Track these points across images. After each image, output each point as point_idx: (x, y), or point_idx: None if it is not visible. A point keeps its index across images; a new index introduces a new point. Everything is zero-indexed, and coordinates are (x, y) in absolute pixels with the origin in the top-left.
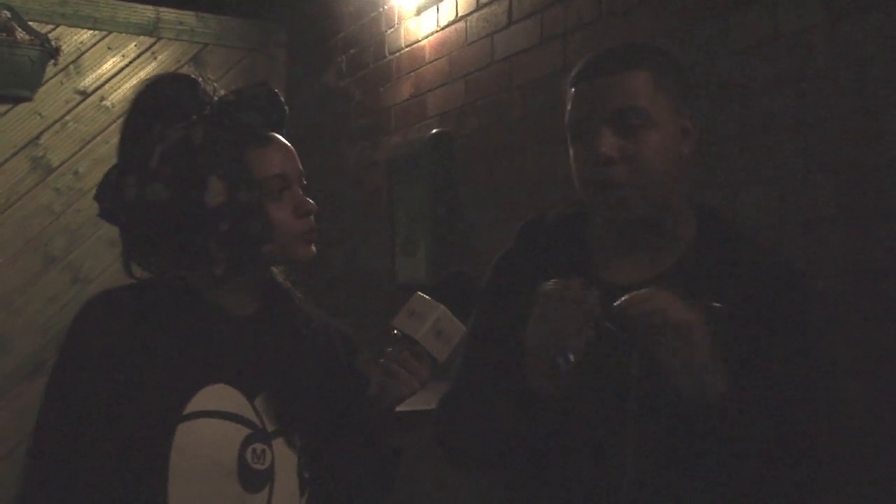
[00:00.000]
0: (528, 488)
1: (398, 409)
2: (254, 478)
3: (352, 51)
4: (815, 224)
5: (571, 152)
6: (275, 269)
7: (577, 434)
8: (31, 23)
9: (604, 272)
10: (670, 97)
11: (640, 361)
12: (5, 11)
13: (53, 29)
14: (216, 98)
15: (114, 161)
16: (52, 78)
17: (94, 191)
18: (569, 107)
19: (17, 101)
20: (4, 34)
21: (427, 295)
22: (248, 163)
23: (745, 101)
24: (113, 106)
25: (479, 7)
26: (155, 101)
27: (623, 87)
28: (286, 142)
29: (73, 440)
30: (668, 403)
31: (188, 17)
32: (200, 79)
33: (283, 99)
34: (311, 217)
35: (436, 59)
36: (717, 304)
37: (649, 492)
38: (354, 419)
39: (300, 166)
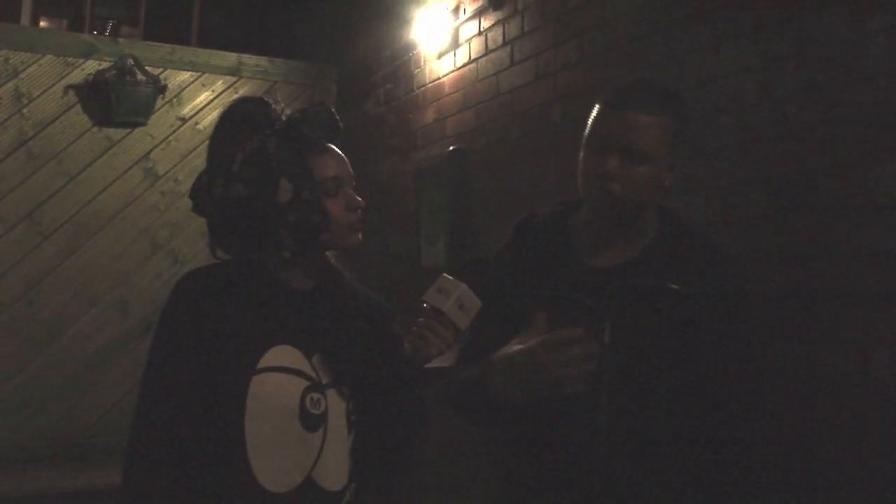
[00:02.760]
0: (515, 452)
1: (427, 366)
2: (312, 420)
3: (388, 85)
4: (750, 222)
5: (583, 157)
6: (328, 253)
7: (553, 416)
8: (147, 67)
9: (584, 258)
10: (671, 143)
11: (612, 330)
12: (130, 59)
13: (163, 71)
14: (284, 116)
15: (202, 170)
16: (160, 108)
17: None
18: (592, 123)
19: (134, 126)
20: (128, 76)
21: (452, 275)
22: (310, 167)
23: (696, 125)
24: (204, 129)
25: (487, 52)
26: (236, 118)
27: (639, 127)
28: (340, 151)
29: (171, 382)
30: (639, 370)
31: (263, 61)
32: (272, 101)
33: (337, 117)
34: (359, 211)
35: (453, 92)
36: (674, 286)
37: (622, 451)
38: (392, 374)
39: (351, 170)
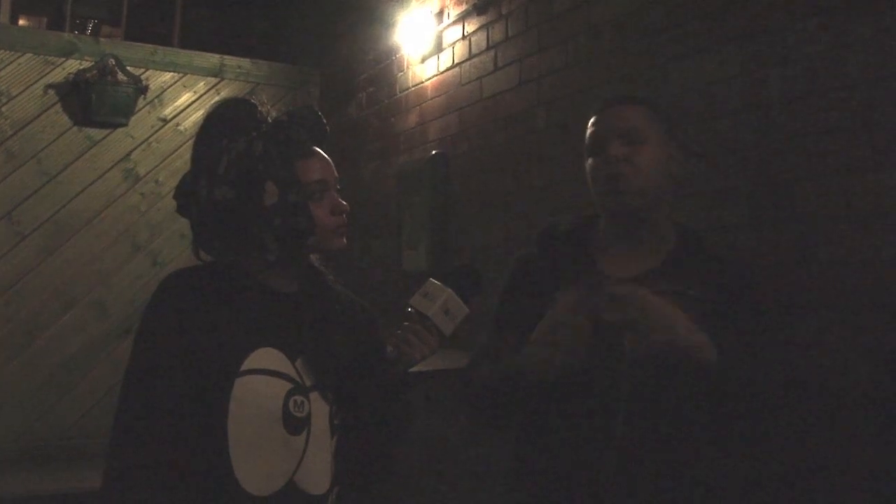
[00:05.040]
0: (533, 442)
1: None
2: (295, 423)
3: (370, 89)
4: (732, 229)
5: (589, 162)
6: (312, 256)
7: (576, 398)
8: (128, 67)
9: (604, 268)
10: (660, 129)
11: (631, 340)
12: (111, 59)
13: (144, 72)
14: (269, 118)
15: (187, 171)
16: (141, 109)
17: (171, 194)
18: (588, 134)
19: (115, 126)
20: (109, 76)
21: (438, 281)
22: (296, 170)
23: (680, 133)
24: (186, 130)
25: (471, 56)
26: (222, 120)
27: (628, 115)
28: (325, 154)
29: (153, 384)
30: (656, 372)
31: (245, 63)
32: (257, 102)
33: (324, 120)
34: (344, 215)
35: (436, 97)
36: (692, 292)
37: (638, 442)
38: (375, 377)
39: (336, 174)
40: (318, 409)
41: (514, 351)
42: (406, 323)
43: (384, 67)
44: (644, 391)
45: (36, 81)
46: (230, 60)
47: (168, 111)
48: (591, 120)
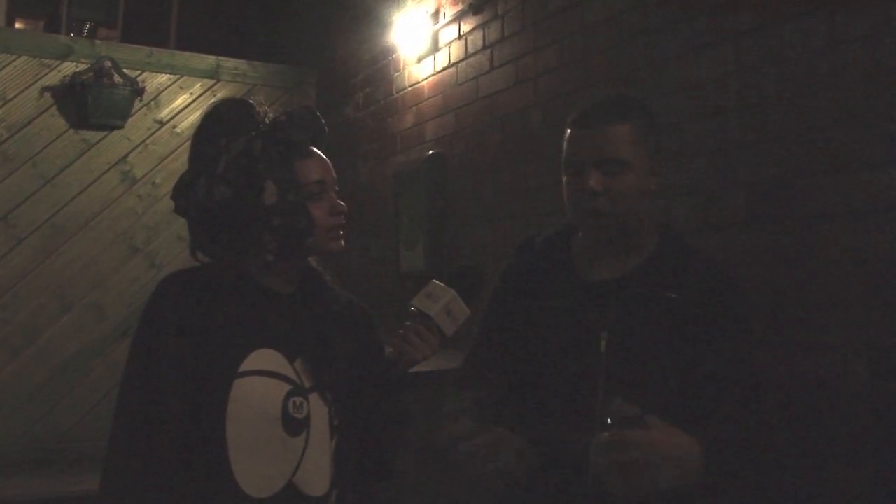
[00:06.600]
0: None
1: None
2: (294, 424)
3: (367, 89)
4: (730, 227)
5: (565, 182)
6: (309, 257)
7: (554, 393)
8: (124, 70)
9: (584, 273)
10: (645, 145)
11: (608, 339)
12: (107, 61)
13: (140, 74)
14: (267, 119)
15: (185, 171)
16: (138, 111)
17: (168, 196)
18: (566, 146)
19: (112, 128)
20: (106, 78)
21: (441, 282)
22: (295, 170)
23: (677, 131)
24: (182, 132)
25: (467, 56)
26: (221, 119)
27: (609, 139)
28: (324, 155)
29: (151, 386)
30: (635, 378)
31: (242, 64)
32: (255, 102)
33: (323, 120)
34: (342, 216)
35: (433, 97)
36: (672, 295)
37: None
38: (375, 378)
39: (334, 174)
40: (318, 410)
41: (495, 366)
42: (408, 322)
43: (380, 68)
44: (622, 382)
45: (32, 84)
46: (226, 62)
47: (164, 113)
48: (569, 133)
